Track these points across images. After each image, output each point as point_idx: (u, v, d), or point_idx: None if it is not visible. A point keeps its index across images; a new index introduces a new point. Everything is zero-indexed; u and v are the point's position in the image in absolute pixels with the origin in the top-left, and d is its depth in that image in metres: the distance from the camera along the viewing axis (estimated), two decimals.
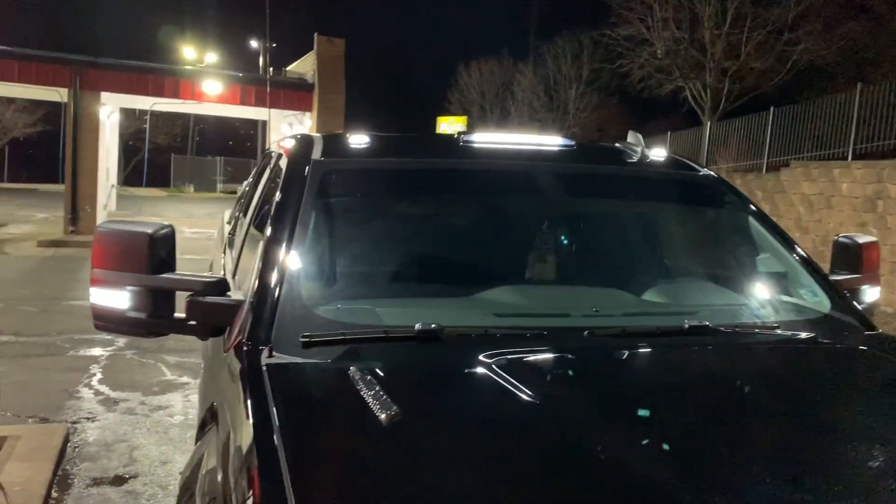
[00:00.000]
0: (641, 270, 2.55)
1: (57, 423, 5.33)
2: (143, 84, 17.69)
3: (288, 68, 23.37)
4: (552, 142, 2.69)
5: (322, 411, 1.57)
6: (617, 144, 2.84)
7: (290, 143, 2.68)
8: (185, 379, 6.61)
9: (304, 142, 2.57)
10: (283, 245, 2.07)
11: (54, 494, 4.20)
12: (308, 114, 19.49)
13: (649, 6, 23.47)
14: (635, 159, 2.69)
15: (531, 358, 1.81)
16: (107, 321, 2.07)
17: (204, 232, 20.13)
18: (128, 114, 37.46)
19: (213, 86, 18.19)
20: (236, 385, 1.74)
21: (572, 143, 2.67)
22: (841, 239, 2.55)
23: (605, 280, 2.41)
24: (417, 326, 1.81)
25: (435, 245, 2.42)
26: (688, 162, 2.86)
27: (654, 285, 2.35)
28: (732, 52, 22.55)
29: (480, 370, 1.71)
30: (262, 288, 1.97)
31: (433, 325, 1.81)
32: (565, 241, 2.51)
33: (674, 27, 23.29)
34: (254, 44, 39.49)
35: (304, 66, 21.14)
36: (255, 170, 4.32)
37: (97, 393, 6.16)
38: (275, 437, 1.37)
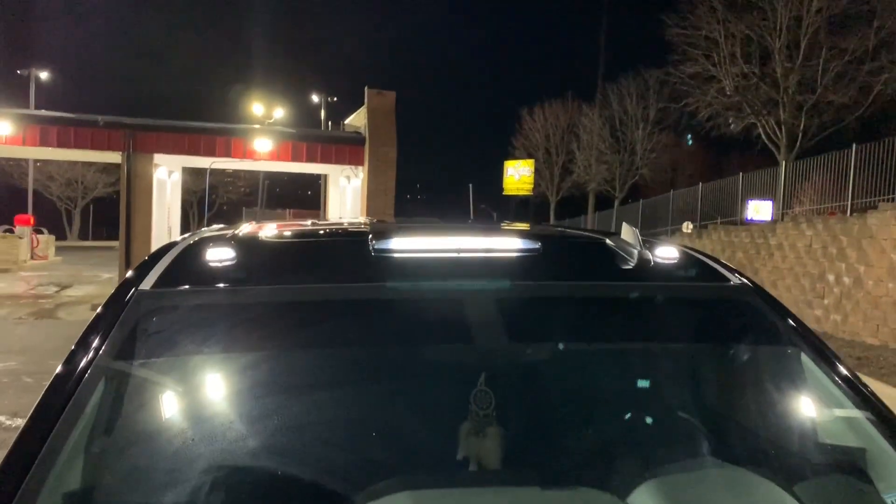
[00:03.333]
0: (632, 452, 1.58)
1: None
2: (195, 145, 17.68)
3: (346, 122, 23.30)
4: (508, 245, 1.87)
5: None
6: (607, 241, 1.99)
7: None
8: None
9: (152, 258, 1.77)
10: (31, 437, 1.31)
11: None
12: (361, 167, 19.13)
13: (715, 41, 22.35)
14: (630, 265, 1.84)
15: None
16: None
17: None
18: (200, 172, 38.36)
19: (263, 144, 18.04)
20: None
21: (537, 245, 1.84)
22: None
23: (573, 470, 1.50)
24: None
25: (288, 427, 1.49)
26: (710, 264, 1.95)
27: (652, 478, 1.44)
28: (808, 85, 21.11)
29: None
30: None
31: None
32: (513, 406, 1.60)
33: (742, 62, 22.04)
34: (315, 98, 40.02)
35: (359, 120, 20.93)
36: None
37: None
38: None
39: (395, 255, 1.78)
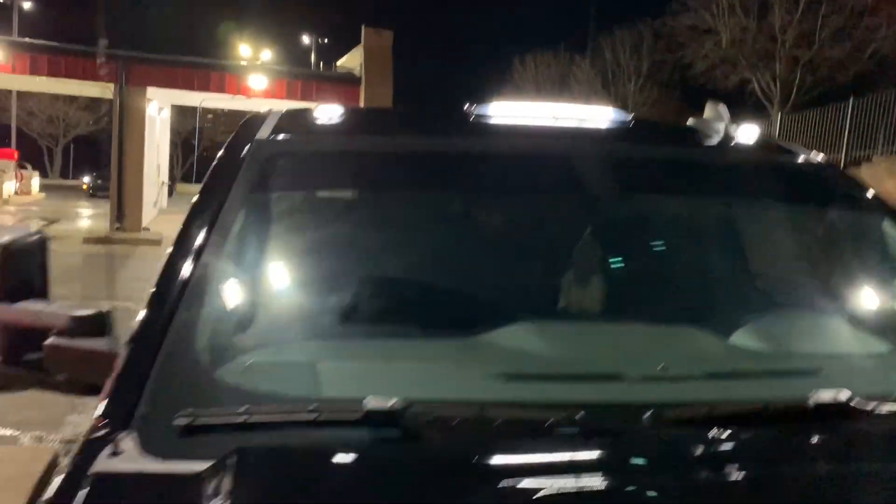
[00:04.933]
0: (726, 298, 1.74)
1: (45, 445, 4.82)
2: (189, 79, 17.41)
3: (338, 63, 22.98)
4: (601, 115, 1.94)
5: None
6: (690, 122, 2.08)
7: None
8: None
9: (256, 118, 1.84)
10: (185, 262, 1.38)
11: None
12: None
13: None
14: (716, 142, 1.93)
15: (553, 486, 1.02)
16: None
17: None
18: (185, 112, 37.74)
19: (258, 81, 17.81)
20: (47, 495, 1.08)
21: (628, 118, 1.92)
22: None
23: (673, 313, 1.61)
24: (368, 403, 1.09)
25: (416, 264, 1.63)
26: (789, 146, 2.07)
27: (747, 321, 1.55)
28: (805, 40, 21.09)
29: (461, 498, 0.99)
30: (141, 330, 1.30)
31: (392, 403, 1.08)
32: (616, 257, 1.74)
33: (741, 14, 21.93)
34: (306, 39, 39.37)
35: (352, 61, 20.67)
36: None
37: None
38: None
39: (494, 119, 1.85)
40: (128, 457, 1.06)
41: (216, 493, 0.97)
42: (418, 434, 1.10)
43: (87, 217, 21.67)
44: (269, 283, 1.52)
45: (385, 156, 1.70)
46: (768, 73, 21.83)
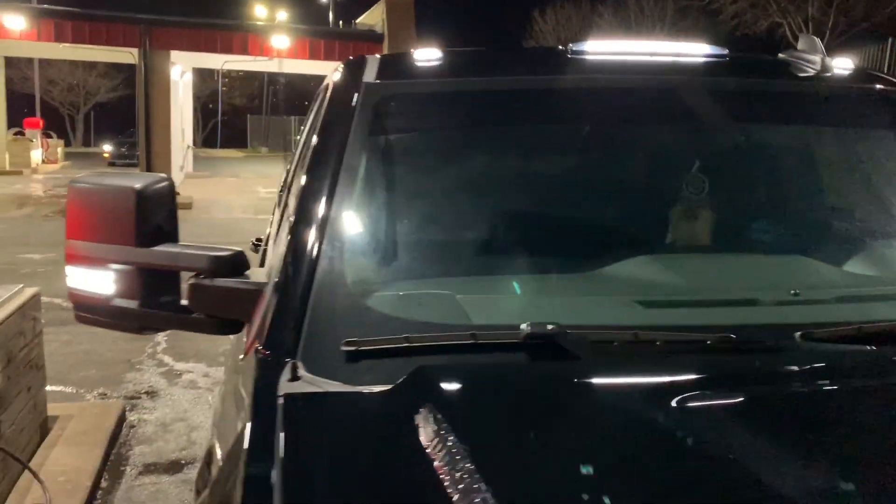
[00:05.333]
0: (835, 229, 1.74)
1: (113, 401, 4.96)
2: (212, 41, 17.33)
3: (357, 21, 22.73)
4: (697, 50, 1.92)
5: (373, 489, 0.90)
6: (782, 56, 2.04)
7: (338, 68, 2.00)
8: None
9: (354, 63, 1.85)
10: (321, 203, 1.42)
11: (103, 484, 3.78)
12: None
13: None
14: (814, 73, 1.91)
15: (732, 394, 1.07)
16: (89, 311, 1.49)
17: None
18: (203, 76, 37.67)
19: (281, 40, 17.68)
20: (240, 420, 1.12)
21: (724, 51, 1.89)
22: None
23: (783, 244, 1.64)
24: (524, 328, 1.12)
25: (539, 198, 1.67)
26: (888, 77, 2.03)
27: (859, 250, 1.59)
28: None
29: (643, 414, 1.02)
30: (289, 266, 1.33)
31: (550, 327, 1.11)
32: (723, 190, 1.73)
33: None
34: None
35: (373, 17, 20.43)
36: (309, 112, 3.68)
37: (160, 364, 5.79)
38: None
39: (594, 56, 1.85)
40: (309, 380, 1.09)
41: (405, 410, 1.01)
42: (580, 356, 1.12)
43: None
44: (401, 221, 1.55)
45: (498, 93, 1.70)
46: (800, 17, 21.26)
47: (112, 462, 4.03)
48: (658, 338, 1.17)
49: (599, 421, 1.02)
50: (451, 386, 1.09)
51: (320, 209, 1.40)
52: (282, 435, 0.99)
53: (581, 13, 38.99)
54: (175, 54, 17.44)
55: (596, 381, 1.13)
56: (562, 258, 1.50)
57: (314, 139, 1.60)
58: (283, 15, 38.74)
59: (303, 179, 1.50)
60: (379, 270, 1.41)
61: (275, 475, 0.91)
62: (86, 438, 4.07)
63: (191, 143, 24.84)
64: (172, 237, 1.46)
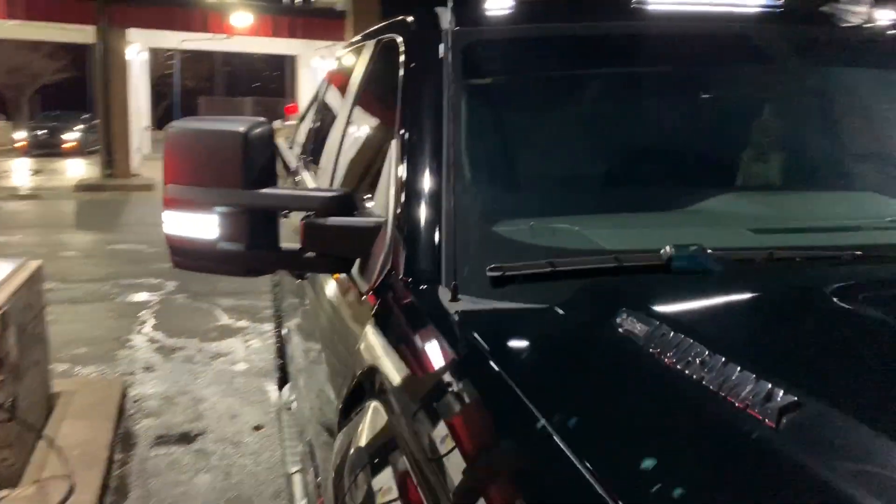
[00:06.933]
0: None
1: (114, 376, 4.90)
2: (171, 18, 16.90)
3: None
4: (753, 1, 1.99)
5: (596, 390, 0.92)
6: (824, 9, 2.13)
7: (397, 23, 2.01)
8: (242, 322, 6.16)
9: (423, 14, 1.87)
10: (432, 144, 1.46)
11: (118, 456, 3.77)
12: (341, 44, 18.58)
13: None
14: (868, 19, 2.00)
15: (887, 291, 1.16)
16: (189, 257, 1.50)
17: None
18: (154, 57, 36.65)
19: (243, 18, 17.34)
20: (410, 345, 1.16)
21: (779, 2, 1.97)
22: None
23: (853, 182, 1.73)
24: (669, 250, 1.18)
25: (635, 138, 1.74)
26: None
27: None
28: None
29: (848, 310, 1.07)
30: (412, 204, 1.38)
31: (693, 248, 1.17)
32: (798, 132, 1.83)
33: None
34: None
35: None
36: (322, 84, 3.67)
37: (151, 340, 5.74)
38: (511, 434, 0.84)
39: (657, 5, 1.91)
40: (471, 301, 1.14)
41: (583, 322, 1.07)
42: (727, 274, 1.18)
43: (71, 167, 21.29)
44: (509, 160, 1.59)
45: (580, 39, 1.75)
46: None
47: (122, 435, 4.01)
48: (795, 255, 1.25)
49: (817, 320, 1.08)
50: (610, 301, 1.13)
51: (431, 152, 1.44)
52: (484, 345, 1.03)
53: None
54: (132, 33, 16.97)
55: (747, 294, 1.20)
56: (667, 193, 1.58)
57: (405, 88, 1.63)
58: None
59: (402, 128, 1.54)
60: (499, 206, 1.46)
61: (490, 383, 0.94)
62: (94, 412, 4.03)
63: (149, 125, 24.28)
64: (273, 180, 1.48)
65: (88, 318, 6.33)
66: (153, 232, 10.88)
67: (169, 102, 48.57)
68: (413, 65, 1.69)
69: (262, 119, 1.52)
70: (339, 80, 2.83)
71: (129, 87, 17.06)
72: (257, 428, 4.17)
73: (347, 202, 1.42)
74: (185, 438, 4.03)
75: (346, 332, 1.51)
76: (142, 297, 7.02)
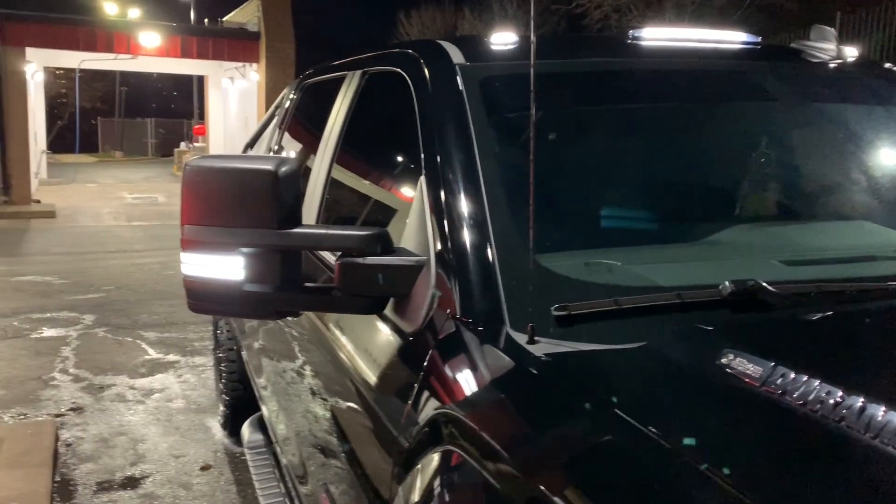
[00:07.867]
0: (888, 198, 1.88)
1: (44, 419, 4.59)
2: (73, 38, 16.17)
3: (225, 19, 21.95)
4: (736, 38, 2.08)
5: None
6: (794, 45, 2.26)
7: (395, 56, 1.98)
8: (172, 356, 5.90)
9: (429, 48, 1.86)
10: (470, 180, 1.46)
11: None
12: (254, 66, 18.25)
13: None
14: (830, 55, 2.13)
15: None
16: (210, 300, 1.43)
17: (146, 197, 18.91)
18: (48, 76, 34.93)
19: (151, 38, 16.77)
20: (494, 391, 1.14)
21: (758, 39, 2.07)
22: None
23: (855, 209, 1.81)
24: (727, 285, 1.20)
25: (664, 172, 1.78)
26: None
27: None
28: None
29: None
30: (460, 241, 1.37)
31: (750, 284, 1.20)
32: (801, 165, 1.92)
33: None
34: None
35: (244, 15, 19.83)
36: (278, 111, 3.55)
37: (77, 378, 5.41)
38: None
39: (654, 42, 1.97)
40: (548, 342, 1.13)
41: (654, 364, 1.08)
42: (785, 306, 1.22)
43: None
44: (552, 195, 1.59)
45: (584, 75, 1.80)
46: (660, 18, 22.61)
47: (59, 483, 3.75)
48: (845, 288, 1.31)
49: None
50: (676, 339, 1.14)
51: (469, 186, 1.43)
52: (594, 394, 1.03)
53: (445, 16, 39.63)
54: (30, 52, 16.14)
55: (803, 325, 1.24)
56: (691, 227, 1.62)
57: (424, 123, 1.62)
58: (135, 12, 36.70)
59: (428, 166, 1.53)
60: (547, 244, 1.45)
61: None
62: (28, 460, 3.77)
63: (45, 148, 23.09)
64: (299, 219, 1.44)
65: (2, 357, 5.92)
66: (61, 262, 10.34)
67: (63, 124, 46.31)
68: (434, 100, 1.67)
69: (286, 157, 1.47)
70: (310, 111, 2.76)
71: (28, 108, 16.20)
72: (205, 468, 3.99)
73: (385, 241, 1.39)
74: (130, 483, 3.81)
75: (388, 373, 1.47)
76: (58, 332, 6.62)
